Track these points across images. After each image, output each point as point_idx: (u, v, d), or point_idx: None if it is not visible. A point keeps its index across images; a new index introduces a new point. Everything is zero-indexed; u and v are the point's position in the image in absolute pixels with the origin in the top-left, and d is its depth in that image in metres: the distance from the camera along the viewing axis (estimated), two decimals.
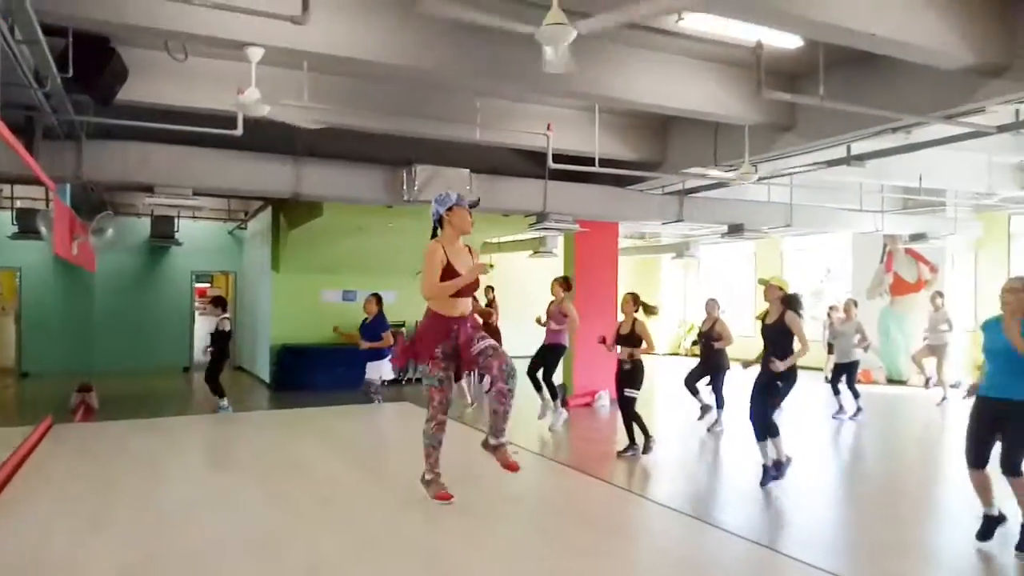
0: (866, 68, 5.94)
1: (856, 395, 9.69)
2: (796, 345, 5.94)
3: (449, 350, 4.25)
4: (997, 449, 4.52)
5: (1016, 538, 4.46)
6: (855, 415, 9.56)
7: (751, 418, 6.02)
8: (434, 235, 4.41)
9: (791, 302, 5.96)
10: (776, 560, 4.10)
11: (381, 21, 5.25)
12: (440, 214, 4.35)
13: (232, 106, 5.74)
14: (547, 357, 8.44)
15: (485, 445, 4.33)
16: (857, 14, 4.63)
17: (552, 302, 8.39)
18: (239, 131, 6.35)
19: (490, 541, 3.80)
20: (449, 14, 4.11)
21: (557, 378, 8.76)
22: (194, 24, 4.71)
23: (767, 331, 6.04)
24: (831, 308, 13.06)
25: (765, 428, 5.95)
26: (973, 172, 10.20)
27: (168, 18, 4.66)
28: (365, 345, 8.30)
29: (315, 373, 11.81)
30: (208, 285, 17.62)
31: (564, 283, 8.40)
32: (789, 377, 5.92)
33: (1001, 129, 6.48)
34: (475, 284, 4.30)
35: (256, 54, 5.13)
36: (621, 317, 7.33)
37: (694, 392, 8.65)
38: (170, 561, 3.49)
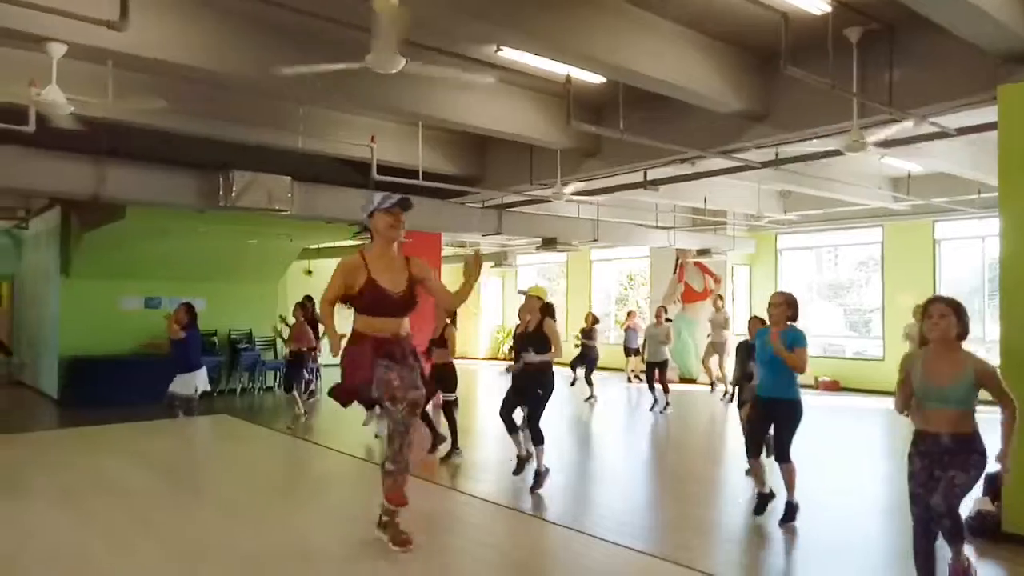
0: (659, 106, 6.73)
1: (666, 390, 10.88)
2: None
3: (396, 365, 3.56)
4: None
5: (781, 513, 5.30)
6: (661, 408, 10.71)
7: (500, 413, 6.27)
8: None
9: (548, 310, 6.28)
10: (583, 540, 4.58)
11: (204, 26, 5.14)
12: (366, 223, 3.76)
13: (25, 100, 5.31)
14: None
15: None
16: (649, 62, 5.31)
17: None
18: (31, 127, 5.85)
19: (325, 546, 3.89)
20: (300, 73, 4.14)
21: None
22: None
23: (527, 337, 6.25)
24: (630, 313, 14.45)
25: (539, 436, 6.15)
26: (747, 197, 11.78)
27: None
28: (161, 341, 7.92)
29: (113, 387, 10.87)
30: None
31: None
32: (547, 383, 6.18)
33: (764, 165, 7.64)
34: (406, 301, 3.61)
35: (58, 50, 4.82)
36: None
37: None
38: None
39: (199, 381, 8.26)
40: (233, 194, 7.88)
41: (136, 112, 6.36)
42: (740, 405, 6.79)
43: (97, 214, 10.19)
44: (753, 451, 5.43)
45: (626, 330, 14.02)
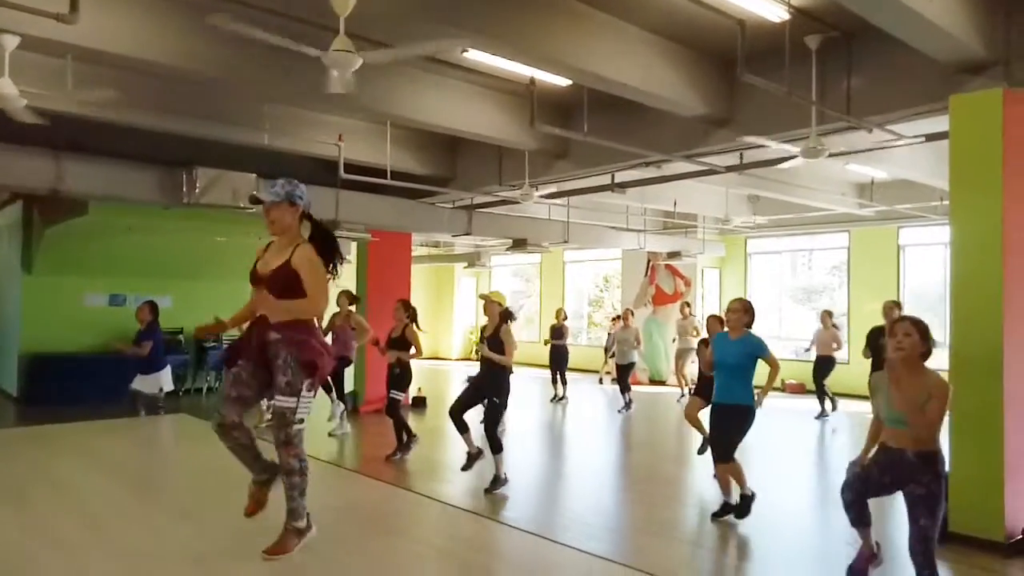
0: (624, 110, 6.76)
1: (627, 391, 11.07)
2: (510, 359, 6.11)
3: (251, 354, 3.64)
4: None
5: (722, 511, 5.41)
6: (627, 408, 10.89)
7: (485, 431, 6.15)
8: None
9: (508, 315, 6.25)
10: (538, 543, 4.59)
11: (164, 22, 5.07)
12: None
13: None
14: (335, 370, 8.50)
15: None
16: (612, 65, 5.35)
17: (336, 314, 8.43)
18: None
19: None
20: (236, 30, 4.12)
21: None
22: None
23: (485, 343, 6.25)
24: (616, 318, 14.52)
25: (497, 445, 6.13)
26: (716, 201, 11.89)
27: None
28: (123, 348, 7.82)
29: (76, 385, 10.70)
30: None
31: (350, 296, 8.50)
32: (503, 390, 6.12)
33: (729, 169, 7.71)
34: (268, 280, 3.59)
35: (11, 42, 4.73)
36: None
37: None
38: None
39: (163, 380, 8.17)
40: (197, 190, 7.78)
41: (96, 107, 6.25)
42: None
43: (59, 209, 9.99)
44: (721, 457, 5.50)
45: (611, 333, 14.08)
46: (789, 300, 15.70)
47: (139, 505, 4.68)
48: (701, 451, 6.97)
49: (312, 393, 3.62)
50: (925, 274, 13.40)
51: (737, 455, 5.34)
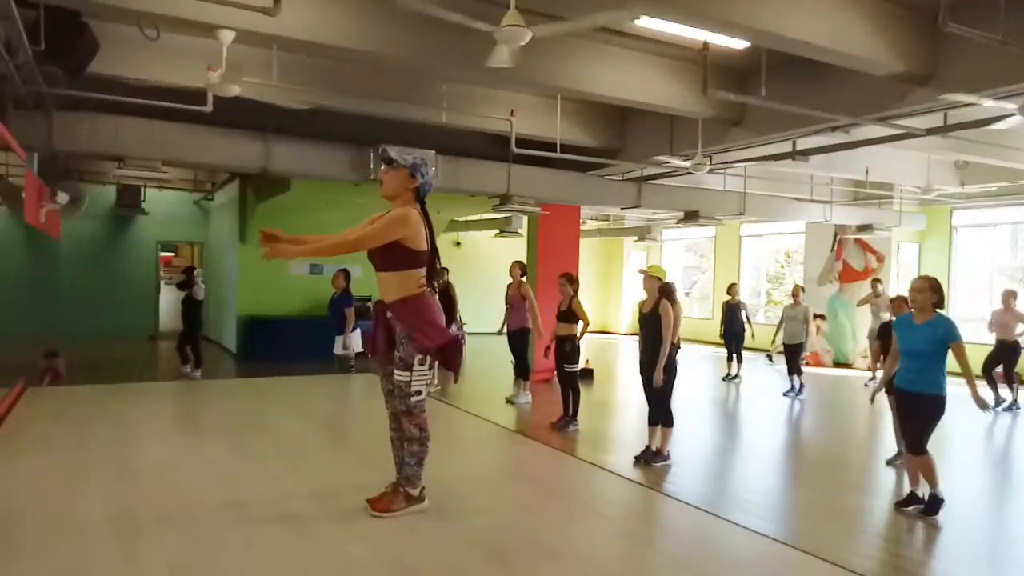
0: (806, 71, 6.32)
1: (799, 374, 10.24)
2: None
3: (381, 340, 3.84)
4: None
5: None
6: (798, 393, 10.15)
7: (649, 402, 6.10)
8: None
9: (667, 291, 5.94)
10: (702, 519, 4.53)
11: (352, 10, 5.48)
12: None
13: (203, 84, 5.95)
14: (514, 342, 8.81)
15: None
16: (793, 23, 5.00)
17: (510, 285, 8.73)
18: (209, 107, 6.54)
19: (444, 499, 4.14)
20: (418, 8, 4.36)
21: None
22: (166, 6, 4.88)
23: (644, 319, 6.01)
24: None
25: (664, 413, 6.04)
26: (915, 168, 10.77)
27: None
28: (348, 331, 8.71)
29: (282, 344, 12.06)
30: (173, 255, 17.62)
31: (522, 267, 8.77)
32: (671, 367, 5.90)
33: (929, 132, 6.95)
34: (374, 255, 3.74)
35: (227, 37, 5.32)
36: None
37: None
38: (147, 512, 3.79)
39: (354, 342, 9.02)
40: (383, 167, 8.33)
41: (298, 93, 6.91)
42: (889, 391, 6.34)
43: (268, 186, 11.22)
44: (908, 447, 5.09)
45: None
46: (1005, 279, 13.90)
47: (330, 449, 5.23)
48: None
49: (426, 366, 3.75)
50: None
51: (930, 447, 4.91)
